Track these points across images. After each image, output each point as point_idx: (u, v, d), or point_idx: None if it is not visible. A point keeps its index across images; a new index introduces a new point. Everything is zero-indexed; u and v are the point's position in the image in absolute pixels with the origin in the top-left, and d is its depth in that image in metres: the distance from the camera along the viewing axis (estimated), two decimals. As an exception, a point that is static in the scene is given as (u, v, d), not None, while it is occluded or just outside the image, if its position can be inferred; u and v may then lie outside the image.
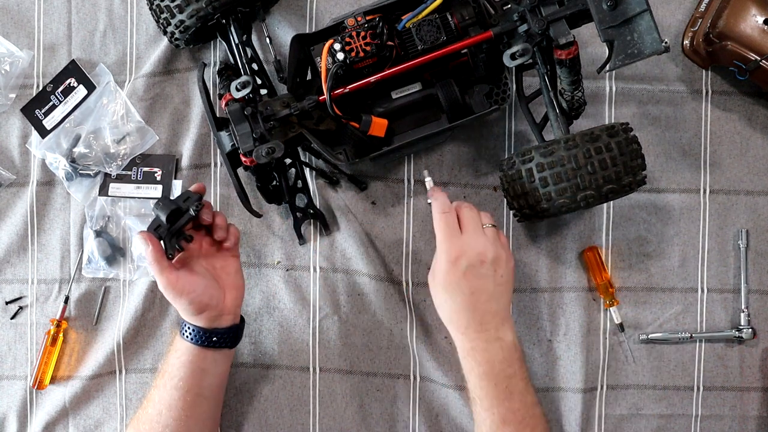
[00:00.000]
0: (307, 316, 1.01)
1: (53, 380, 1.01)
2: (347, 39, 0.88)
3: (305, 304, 1.01)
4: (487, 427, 0.85)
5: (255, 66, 0.96)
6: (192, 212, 0.85)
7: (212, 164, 1.02)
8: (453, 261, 0.83)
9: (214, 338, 0.87)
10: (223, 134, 0.90)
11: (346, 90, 0.89)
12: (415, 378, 1.01)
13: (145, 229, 0.86)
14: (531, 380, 0.87)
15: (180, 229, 0.86)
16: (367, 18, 0.89)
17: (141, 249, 0.90)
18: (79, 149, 1.01)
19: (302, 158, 1.00)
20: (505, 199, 0.95)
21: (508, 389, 0.84)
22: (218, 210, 1.02)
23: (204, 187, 0.89)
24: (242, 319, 0.93)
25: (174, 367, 0.88)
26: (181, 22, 0.90)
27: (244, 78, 0.87)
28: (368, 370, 1.01)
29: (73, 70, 1.03)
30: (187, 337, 0.88)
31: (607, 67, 0.83)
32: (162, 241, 0.86)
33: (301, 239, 1.01)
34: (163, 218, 0.84)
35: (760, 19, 0.95)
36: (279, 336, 1.01)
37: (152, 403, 0.89)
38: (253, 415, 1.00)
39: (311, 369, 1.01)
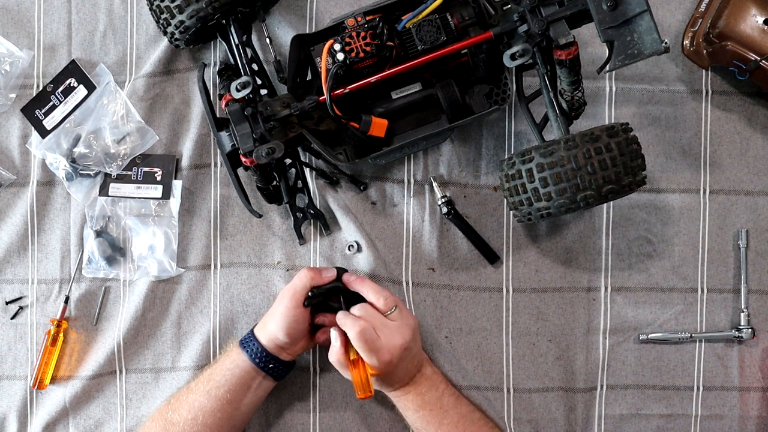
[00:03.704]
0: (307, 316, 1.01)
1: (53, 380, 1.01)
2: (347, 39, 0.88)
3: (305, 304, 1.01)
4: None
5: (255, 66, 0.96)
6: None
7: (212, 164, 1.02)
8: (386, 364, 0.87)
9: (271, 365, 0.91)
10: (223, 134, 0.91)
11: (346, 90, 0.89)
12: (414, 378, 1.01)
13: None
14: (461, 392, 0.96)
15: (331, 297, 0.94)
16: (367, 18, 0.89)
17: (312, 278, 0.92)
18: (79, 149, 1.01)
19: (302, 158, 1.00)
20: (505, 199, 0.95)
21: (442, 408, 0.91)
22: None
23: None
24: (294, 362, 0.95)
25: (225, 377, 0.91)
26: (181, 22, 0.90)
27: (244, 78, 0.87)
28: (368, 370, 1.01)
29: (73, 70, 1.03)
30: (248, 351, 0.91)
31: (607, 68, 0.83)
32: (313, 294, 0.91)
33: (301, 239, 1.01)
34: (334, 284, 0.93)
35: (760, 19, 0.95)
36: (279, 336, 1.01)
37: (188, 407, 0.91)
38: (253, 415, 1.00)
39: (311, 369, 1.01)
